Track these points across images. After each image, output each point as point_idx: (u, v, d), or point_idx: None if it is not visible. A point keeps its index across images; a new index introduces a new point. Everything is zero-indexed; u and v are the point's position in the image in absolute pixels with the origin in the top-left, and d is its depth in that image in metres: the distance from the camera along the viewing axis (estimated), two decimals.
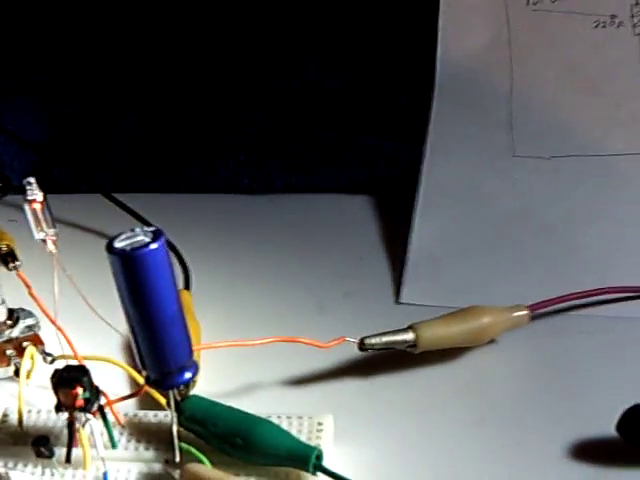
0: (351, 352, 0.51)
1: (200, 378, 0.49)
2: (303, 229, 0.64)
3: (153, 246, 0.41)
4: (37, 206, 0.47)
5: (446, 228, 0.61)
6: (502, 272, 0.58)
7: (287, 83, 0.70)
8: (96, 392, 0.44)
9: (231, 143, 0.68)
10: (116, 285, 0.41)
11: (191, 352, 0.43)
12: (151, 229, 0.42)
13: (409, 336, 0.50)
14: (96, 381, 0.45)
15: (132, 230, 0.42)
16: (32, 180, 0.47)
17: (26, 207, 0.47)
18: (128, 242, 0.41)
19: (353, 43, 0.69)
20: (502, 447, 0.46)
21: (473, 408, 0.49)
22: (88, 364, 0.46)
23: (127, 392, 0.47)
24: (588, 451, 0.46)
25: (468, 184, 0.63)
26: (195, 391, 0.47)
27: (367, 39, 0.69)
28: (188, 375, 0.43)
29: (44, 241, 0.47)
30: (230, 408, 0.45)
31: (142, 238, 0.41)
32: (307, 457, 0.42)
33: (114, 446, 0.46)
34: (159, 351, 0.42)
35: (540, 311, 0.53)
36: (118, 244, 0.41)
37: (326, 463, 0.43)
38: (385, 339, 0.50)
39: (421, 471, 0.46)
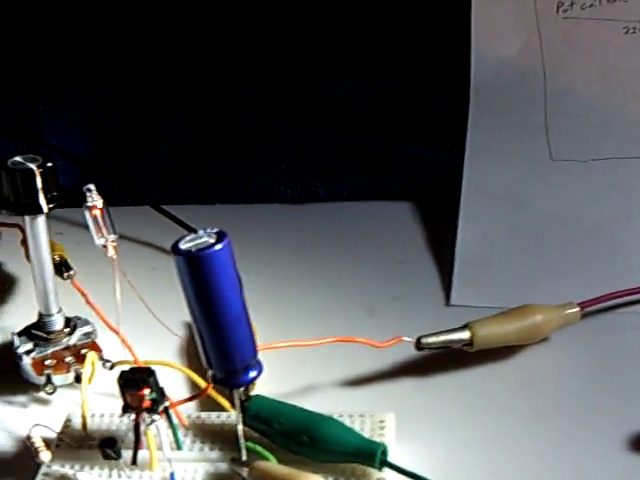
0: (406, 352, 0.52)
1: (260, 380, 0.50)
2: (346, 236, 0.65)
3: (218, 247, 0.41)
4: (97, 212, 0.48)
5: (489, 231, 0.61)
6: (548, 272, 0.58)
7: (323, 94, 0.71)
8: (161, 393, 0.45)
9: (272, 154, 0.69)
10: (182, 286, 0.42)
11: (255, 351, 0.44)
12: (215, 230, 0.42)
13: (465, 335, 0.50)
14: None
15: (196, 232, 0.42)
16: (92, 187, 0.48)
17: (86, 213, 0.48)
18: (193, 243, 0.42)
19: (388, 52, 0.70)
20: (560, 442, 0.47)
21: (529, 405, 0.49)
22: None
23: (186, 395, 0.48)
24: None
25: (508, 188, 0.63)
26: (255, 392, 0.48)
27: (400, 47, 0.70)
28: (253, 374, 0.44)
29: (105, 247, 0.48)
30: (294, 407, 0.46)
31: (206, 239, 0.42)
32: (373, 453, 0.43)
33: (179, 447, 0.46)
34: (225, 350, 0.43)
35: (590, 309, 0.53)
36: (183, 245, 0.42)
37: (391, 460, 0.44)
38: (442, 338, 0.50)
39: (481, 467, 0.46)
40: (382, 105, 0.70)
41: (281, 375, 0.51)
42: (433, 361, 0.52)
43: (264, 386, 0.50)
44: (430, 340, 0.50)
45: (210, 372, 0.44)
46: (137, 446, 0.45)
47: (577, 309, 0.52)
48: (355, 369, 0.52)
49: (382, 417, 0.46)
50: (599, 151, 0.64)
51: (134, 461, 0.45)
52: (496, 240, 0.61)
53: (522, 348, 0.52)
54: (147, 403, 0.44)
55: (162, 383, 0.46)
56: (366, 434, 0.45)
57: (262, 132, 0.69)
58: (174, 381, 0.51)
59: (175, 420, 0.46)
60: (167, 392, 0.46)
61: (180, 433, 0.47)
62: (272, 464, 0.43)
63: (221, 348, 0.43)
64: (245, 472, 0.43)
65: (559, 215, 0.61)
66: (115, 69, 0.71)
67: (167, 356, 0.52)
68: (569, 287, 0.56)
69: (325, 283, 0.60)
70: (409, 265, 0.61)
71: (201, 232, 0.42)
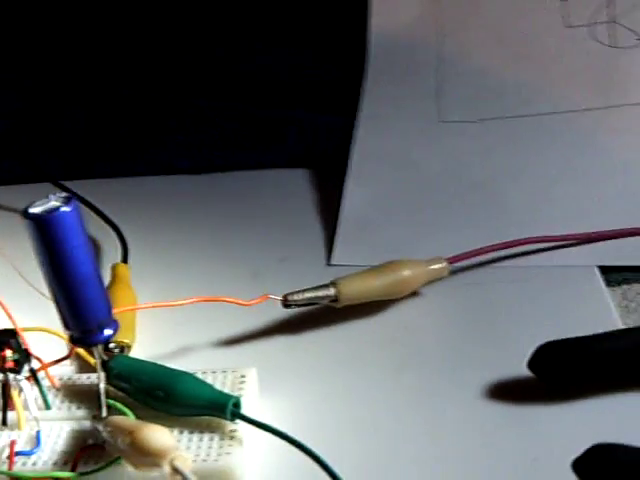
0: (280, 311, 0.53)
1: (137, 343, 0.53)
2: (242, 204, 0.66)
3: (65, 209, 0.43)
4: None
5: (376, 193, 0.63)
6: (429, 230, 0.59)
7: (222, 65, 0.72)
8: (26, 354, 0.46)
9: (171, 126, 0.70)
10: (34, 250, 0.44)
11: (109, 311, 0.45)
12: (63, 195, 0.44)
13: (330, 291, 0.52)
14: (38, 351, 0.47)
15: (46, 197, 0.44)
16: None
17: None
18: (42, 208, 0.43)
19: (284, 21, 0.71)
20: (420, 393, 0.48)
21: (394, 357, 0.51)
22: (30, 336, 0.48)
23: None
24: (503, 391, 0.48)
25: (398, 151, 0.65)
26: (132, 354, 0.50)
27: (297, 16, 0.71)
28: (108, 332, 0.45)
29: None
30: (153, 364, 0.47)
31: (54, 203, 0.43)
32: (224, 405, 0.44)
33: (48, 407, 0.48)
34: (78, 310, 0.44)
35: (461, 263, 0.55)
36: (32, 210, 0.43)
37: (251, 414, 0.45)
38: (307, 295, 0.52)
39: (341, 418, 0.47)
40: (278, 74, 0.71)
41: (159, 336, 0.53)
42: (305, 319, 0.53)
43: (142, 349, 0.52)
44: (296, 297, 0.52)
45: (68, 332, 0.45)
46: (5, 407, 0.47)
47: (445, 264, 0.54)
48: (229, 329, 0.53)
49: (243, 372, 0.48)
50: (490, 111, 0.65)
51: (4, 421, 0.47)
52: (381, 201, 0.62)
53: (391, 303, 0.54)
54: (10, 364, 0.46)
55: (44, 348, 0.47)
56: (227, 389, 0.47)
57: (162, 105, 0.71)
58: (56, 346, 0.52)
59: (46, 382, 0.48)
60: (49, 356, 0.47)
61: (51, 394, 0.48)
62: (124, 418, 0.45)
63: (74, 308, 0.44)
64: (101, 426, 0.45)
65: (445, 175, 0.63)
66: (17, 48, 0.73)
67: (49, 323, 0.54)
68: (448, 244, 0.57)
69: (216, 249, 0.62)
70: (299, 229, 0.63)
71: (50, 196, 0.44)
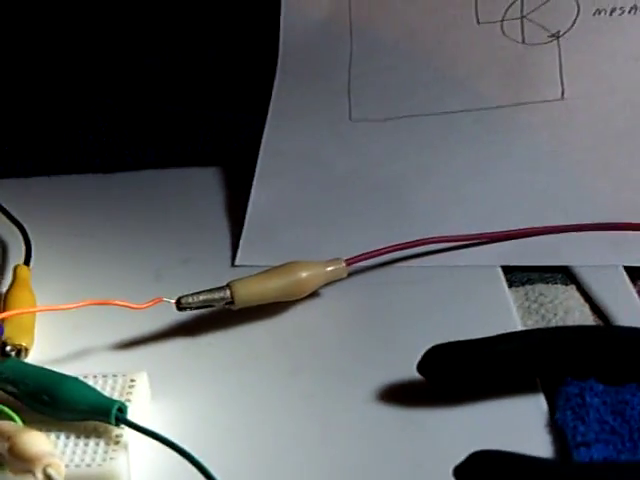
0: (177, 314, 0.53)
1: (36, 346, 0.52)
2: (151, 204, 0.66)
3: None
4: None
5: (283, 192, 0.62)
6: (333, 230, 0.60)
7: (133, 64, 0.72)
8: None
9: (82, 125, 0.70)
10: None
11: None
12: None
13: (226, 293, 0.52)
14: None
15: None
16: None
17: None
18: None
19: (196, 21, 0.71)
20: (312, 395, 0.48)
21: (289, 360, 0.51)
22: None
23: None
24: (394, 394, 0.48)
25: (306, 149, 0.65)
26: (30, 358, 0.50)
27: (209, 16, 0.71)
28: None
29: None
30: (42, 368, 0.47)
31: None
32: (108, 410, 0.44)
33: None
34: None
35: (361, 264, 0.55)
36: None
37: (142, 419, 0.45)
38: (202, 297, 0.52)
39: (233, 422, 0.47)
40: (189, 72, 0.71)
41: (57, 339, 0.53)
42: (202, 322, 0.53)
43: (40, 351, 0.52)
44: (190, 300, 0.51)
45: None
46: None
47: (343, 265, 0.54)
48: (127, 332, 0.53)
49: (133, 376, 0.47)
50: (399, 110, 0.65)
51: None
52: (287, 201, 0.62)
53: (289, 305, 0.54)
54: None
55: None
56: (116, 393, 0.46)
57: (72, 104, 0.70)
58: None
59: None
60: None
61: None
62: (8, 423, 0.44)
63: None
64: None
65: (353, 174, 0.63)
66: None
67: None
68: (352, 244, 0.57)
69: (122, 250, 0.61)
70: (205, 229, 0.62)
71: None
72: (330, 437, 0.46)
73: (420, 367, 0.47)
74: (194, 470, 0.41)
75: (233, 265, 0.59)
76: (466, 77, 0.66)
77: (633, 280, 0.54)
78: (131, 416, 0.45)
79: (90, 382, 0.46)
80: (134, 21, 0.71)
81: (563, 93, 0.65)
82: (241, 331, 0.53)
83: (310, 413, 0.47)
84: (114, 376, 0.48)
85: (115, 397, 0.46)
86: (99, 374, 0.47)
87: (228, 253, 0.60)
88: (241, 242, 0.59)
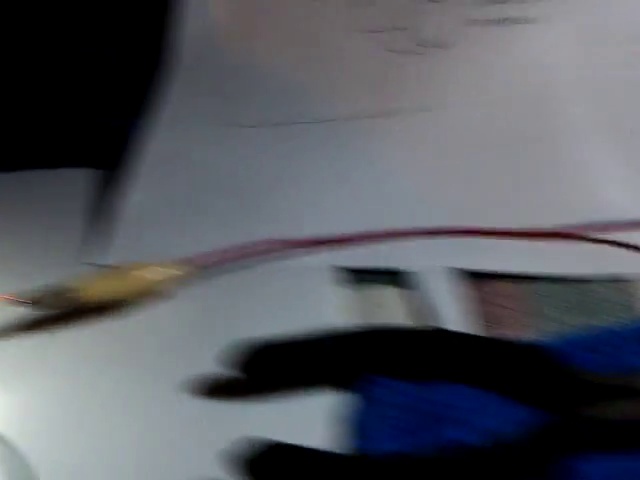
0: (20, 311, 0.55)
1: None
2: (20, 206, 0.66)
3: None
4: None
5: (152, 194, 0.65)
6: (194, 232, 0.62)
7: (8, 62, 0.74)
8: None
9: None
10: None
11: None
12: None
13: (71, 291, 0.54)
14: None
15: None
16: None
17: None
18: None
19: (84, 23, 0.74)
20: (133, 391, 0.52)
21: (126, 356, 0.54)
22: None
23: None
24: (206, 388, 0.51)
25: (182, 154, 0.67)
26: None
27: (95, 19, 0.74)
28: None
29: None
30: None
31: None
32: None
33: None
34: None
35: (208, 264, 0.58)
36: None
37: None
38: (46, 294, 0.54)
39: (61, 414, 0.51)
40: (65, 72, 0.73)
41: None
42: (43, 319, 0.55)
43: None
44: (35, 296, 0.54)
45: None
46: None
47: (188, 265, 0.57)
48: None
49: None
50: (271, 117, 0.68)
51: None
52: (154, 203, 0.64)
53: (137, 304, 0.56)
54: None
55: None
56: None
57: None
58: None
59: None
60: None
61: None
62: None
63: None
64: None
65: (223, 178, 0.65)
66: None
67: None
68: (210, 244, 0.59)
69: None
70: (64, 229, 0.63)
71: None
72: (143, 427, 0.50)
73: (233, 362, 0.50)
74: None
75: (91, 264, 0.60)
76: (338, 86, 0.69)
77: (473, 284, 0.58)
78: None
79: None
80: (18, 21, 0.74)
81: (431, 103, 0.68)
82: (83, 329, 0.55)
83: (129, 408, 0.51)
84: None
85: None
86: None
87: (89, 253, 0.61)
88: (102, 242, 0.61)
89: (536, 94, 0.68)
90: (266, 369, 0.50)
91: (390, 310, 0.57)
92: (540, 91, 0.68)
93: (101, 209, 0.64)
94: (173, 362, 0.53)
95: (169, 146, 0.68)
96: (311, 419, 0.49)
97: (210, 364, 0.51)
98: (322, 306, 0.56)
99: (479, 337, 0.53)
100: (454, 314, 0.55)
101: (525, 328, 0.55)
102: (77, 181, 0.67)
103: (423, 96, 0.68)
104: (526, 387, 0.49)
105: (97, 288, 0.55)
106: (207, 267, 0.58)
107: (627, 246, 0.59)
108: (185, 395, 0.51)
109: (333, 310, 0.56)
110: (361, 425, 0.48)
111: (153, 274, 0.56)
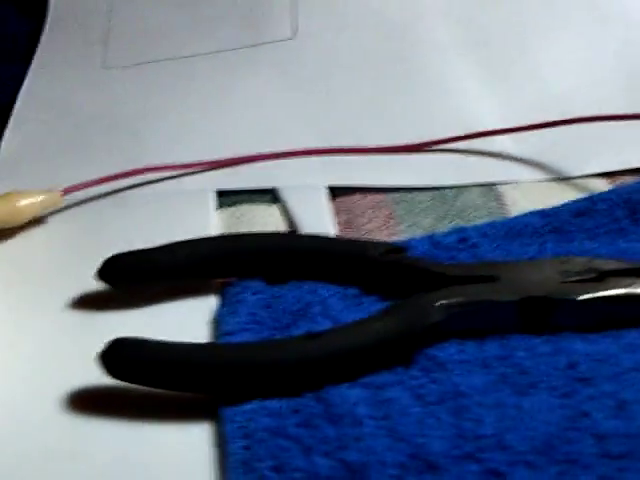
0: None
1: None
2: None
3: None
4: None
5: (33, 134, 0.67)
6: (71, 166, 0.63)
7: None
8: None
9: None
10: None
11: None
12: None
13: None
14: None
15: None
16: None
17: None
18: None
19: None
20: (15, 306, 0.54)
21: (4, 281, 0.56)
22: None
23: None
24: (85, 302, 0.53)
25: (62, 96, 0.70)
26: None
27: None
28: None
29: None
30: None
31: None
32: None
33: None
34: None
35: (75, 192, 0.59)
36: None
37: None
38: None
39: None
40: None
41: None
42: None
43: None
44: None
45: None
46: None
47: (58, 193, 0.58)
48: None
49: None
50: (147, 56, 0.71)
51: None
52: (36, 143, 0.66)
53: (7, 231, 0.58)
54: None
55: None
56: None
57: None
58: None
59: None
60: None
61: None
62: None
63: None
64: None
65: (99, 116, 0.68)
66: None
67: None
68: (84, 176, 0.60)
69: None
70: None
71: None
72: (23, 340, 0.52)
73: (101, 273, 0.52)
74: None
75: None
76: (208, 21, 0.72)
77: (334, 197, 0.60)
78: None
79: None
80: None
81: (295, 32, 0.70)
82: None
83: (12, 320, 0.53)
84: None
85: None
86: None
87: None
88: None
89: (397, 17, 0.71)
90: (121, 275, 0.52)
91: (261, 226, 0.58)
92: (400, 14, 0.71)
93: None
94: (54, 281, 0.55)
95: (45, 89, 0.70)
96: (184, 323, 0.51)
97: (89, 281, 0.53)
98: (195, 226, 0.57)
99: (329, 237, 0.55)
100: (320, 225, 0.57)
101: (391, 236, 0.57)
102: None
103: (288, 26, 0.71)
104: (375, 280, 0.51)
105: None
106: (82, 193, 0.60)
107: (489, 154, 0.61)
108: (66, 310, 0.53)
109: (205, 229, 0.58)
110: (218, 322, 0.50)
111: (21, 202, 0.57)
